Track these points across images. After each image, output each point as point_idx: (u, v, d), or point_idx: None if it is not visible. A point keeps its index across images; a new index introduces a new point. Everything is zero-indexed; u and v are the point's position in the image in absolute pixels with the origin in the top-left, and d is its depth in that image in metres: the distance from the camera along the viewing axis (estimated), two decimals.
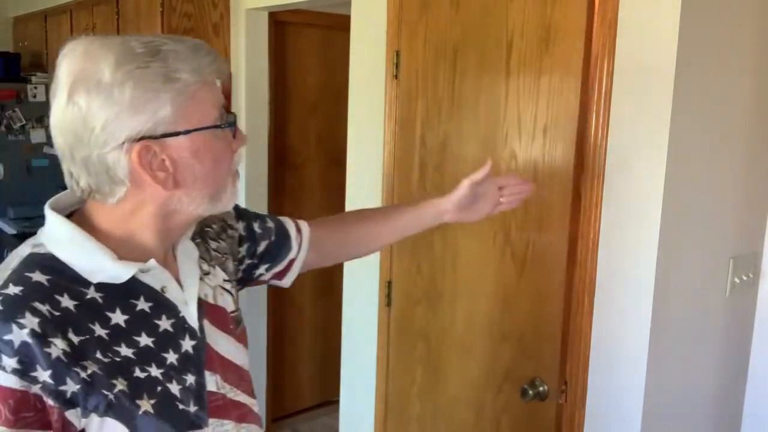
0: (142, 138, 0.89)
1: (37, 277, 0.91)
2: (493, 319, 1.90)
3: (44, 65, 4.46)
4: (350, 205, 2.44)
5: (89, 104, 0.87)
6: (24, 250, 0.95)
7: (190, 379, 1.00)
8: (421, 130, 2.08)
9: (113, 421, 0.91)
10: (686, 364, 1.70)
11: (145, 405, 0.94)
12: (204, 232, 1.15)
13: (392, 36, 2.15)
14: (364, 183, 2.34)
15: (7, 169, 4.35)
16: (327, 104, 3.48)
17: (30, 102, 4.39)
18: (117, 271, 0.94)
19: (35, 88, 4.40)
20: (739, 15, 1.60)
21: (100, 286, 0.94)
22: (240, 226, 1.24)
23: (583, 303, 1.68)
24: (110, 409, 0.91)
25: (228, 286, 1.14)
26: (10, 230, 4.07)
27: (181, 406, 0.98)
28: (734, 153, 1.68)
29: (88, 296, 0.93)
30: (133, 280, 0.96)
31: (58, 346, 0.87)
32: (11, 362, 0.84)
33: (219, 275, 1.13)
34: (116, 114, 0.87)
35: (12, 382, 0.85)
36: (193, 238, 1.10)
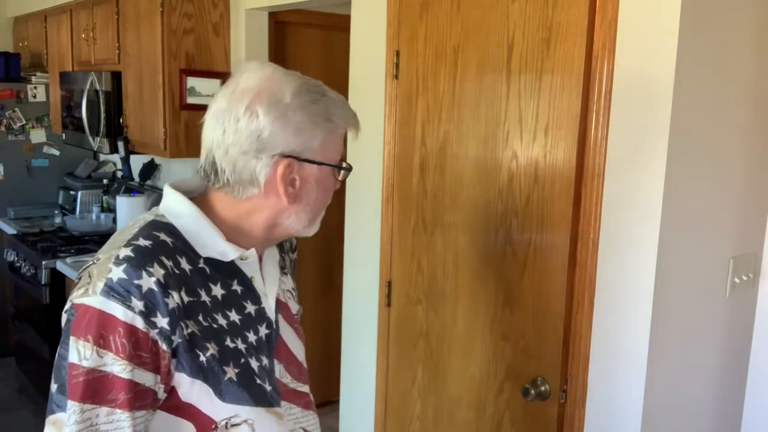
0: (290, 156, 1.04)
1: (164, 237, 1.04)
2: (494, 319, 1.90)
3: (44, 65, 4.44)
4: (350, 205, 2.44)
5: (265, 116, 1.02)
6: (147, 216, 1.09)
7: (264, 360, 1.12)
8: (421, 130, 2.08)
9: (202, 384, 1.02)
10: (686, 364, 1.69)
11: (230, 372, 1.05)
12: (282, 244, 1.28)
13: (392, 36, 2.15)
14: (364, 183, 2.34)
15: (7, 169, 4.34)
16: None
17: (30, 102, 4.39)
18: (225, 250, 1.08)
19: (35, 88, 4.40)
20: (738, 14, 1.61)
21: (208, 261, 1.07)
22: (293, 257, 1.38)
23: (583, 303, 1.68)
24: (201, 372, 1.01)
25: (293, 293, 1.29)
26: (10, 230, 4.06)
27: (258, 381, 1.09)
28: (734, 153, 1.68)
29: (200, 265, 1.06)
30: (233, 264, 1.10)
31: (174, 299, 0.99)
32: (139, 304, 0.96)
33: (288, 282, 1.28)
34: (282, 131, 1.03)
35: (138, 322, 0.96)
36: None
